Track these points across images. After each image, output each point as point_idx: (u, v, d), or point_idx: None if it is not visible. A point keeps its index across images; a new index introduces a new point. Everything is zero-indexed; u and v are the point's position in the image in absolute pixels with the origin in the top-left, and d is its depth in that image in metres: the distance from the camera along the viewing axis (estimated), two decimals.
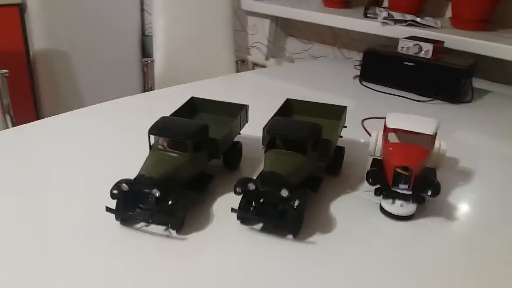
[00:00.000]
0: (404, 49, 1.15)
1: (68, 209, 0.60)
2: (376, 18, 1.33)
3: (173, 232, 0.56)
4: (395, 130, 0.65)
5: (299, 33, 1.70)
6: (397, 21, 1.27)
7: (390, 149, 0.64)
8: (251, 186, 0.56)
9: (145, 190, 0.54)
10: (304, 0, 1.71)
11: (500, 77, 1.27)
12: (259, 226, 0.58)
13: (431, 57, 1.11)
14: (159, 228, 0.57)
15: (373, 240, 0.58)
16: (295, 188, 0.56)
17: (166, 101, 1.04)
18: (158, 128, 0.61)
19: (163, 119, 0.64)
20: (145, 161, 0.59)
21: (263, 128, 0.68)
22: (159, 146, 0.61)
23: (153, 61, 1.55)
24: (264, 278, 0.50)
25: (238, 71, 1.55)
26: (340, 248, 0.55)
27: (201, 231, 0.57)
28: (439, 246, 0.57)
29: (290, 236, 0.56)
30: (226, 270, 0.51)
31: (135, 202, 0.56)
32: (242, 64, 1.63)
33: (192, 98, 0.78)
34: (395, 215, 0.61)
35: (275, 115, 0.73)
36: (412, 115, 0.68)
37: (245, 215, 0.57)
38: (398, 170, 0.60)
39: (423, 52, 1.11)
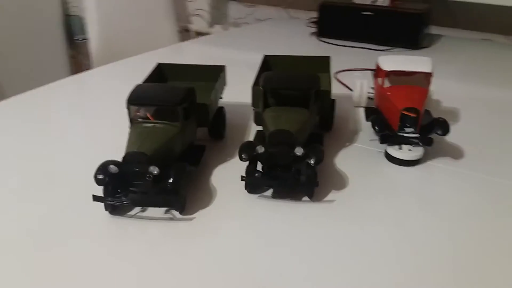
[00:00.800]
0: None
1: (46, 205, 0.50)
2: None
3: (177, 214, 0.49)
4: (393, 73, 0.61)
5: None
6: None
7: (388, 93, 0.61)
8: (260, 149, 0.49)
9: (138, 170, 0.46)
10: None
11: (450, 21, 1.29)
12: (269, 193, 0.53)
13: (388, 5, 1.10)
14: (158, 212, 0.49)
15: (387, 189, 0.54)
16: (306, 145, 0.50)
17: (105, 79, 0.92)
18: (140, 97, 0.52)
19: (140, 87, 0.54)
20: (129, 137, 0.50)
21: (253, 86, 0.61)
22: (139, 119, 0.52)
23: (85, 40, 1.40)
24: (288, 245, 0.44)
25: (181, 41, 1.44)
26: (357, 203, 0.51)
27: (207, 208, 0.50)
28: (455, 185, 0.55)
29: (305, 198, 0.51)
30: (245, 245, 0.44)
31: (124, 186, 0.48)
32: (185, 33, 1.52)
33: (159, 64, 0.69)
34: (405, 160, 0.58)
35: (258, 73, 0.66)
36: (403, 56, 0.65)
37: (259, 181, 0.51)
38: (405, 112, 0.56)
39: (380, 0, 1.09)
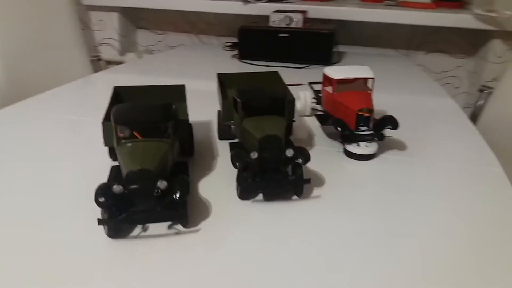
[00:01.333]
0: (276, 22, 1.22)
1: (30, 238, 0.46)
2: None
3: (180, 228, 0.49)
4: (343, 80, 0.69)
5: (150, 24, 1.62)
6: None
7: (340, 99, 0.68)
8: (254, 155, 0.52)
9: (145, 187, 0.45)
10: None
11: (350, 40, 1.47)
12: (260, 197, 0.55)
13: (302, 26, 1.21)
14: (160, 229, 0.48)
15: (360, 181, 0.61)
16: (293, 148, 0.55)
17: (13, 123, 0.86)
18: (127, 117, 0.51)
19: (119, 107, 0.53)
20: (122, 157, 0.49)
21: (223, 101, 0.64)
22: (127, 139, 0.51)
23: None
24: (290, 238, 0.48)
25: (95, 72, 1.39)
26: (338, 194, 0.57)
27: (207, 219, 0.51)
28: (406, 171, 0.64)
29: (294, 197, 0.56)
30: (255, 246, 0.47)
31: (126, 207, 0.46)
32: (97, 63, 1.47)
33: (115, 88, 0.68)
34: (364, 155, 0.66)
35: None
36: (344, 66, 0.73)
37: (253, 187, 0.54)
38: (362, 113, 0.65)
39: (294, 22, 1.20)
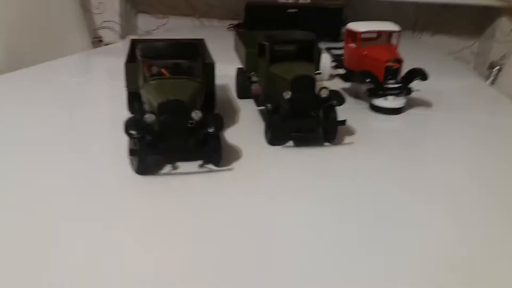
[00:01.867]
0: None
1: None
2: None
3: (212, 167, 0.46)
4: (367, 33, 0.67)
5: (151, 8, 1.59)
6: None
7: (366, 52, 0.66)
8: (287, 94, 0.50)
9: (178, 117, 0.42)
10: None
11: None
12: (290, 143, 0.53)
13: (310, 2, 1.19)
14: (192, 168, 0.45)
15: (390, 134, 0.59)
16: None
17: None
18: (158, 52, 0.48)
19: (147, 44, 0.50)
20: (150, 92, 0.46)
21: (247, 51, 0.61)
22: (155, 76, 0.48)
23: None
24: (323, 183, 0.46)
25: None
26: (370, 143, 0.55)
27: (239, 160, 0.48)
28: (437, 126, 0.62)
29: (326, 143, 0.53)
30: (288, 187, 0.44)
31: (156, 142, 0.43)
32: (99, 44, 1.43)
33: (132, 40, 0.64)
34: (392, 109, 0.63)
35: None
36: (366, 22, 0.71)
37: (288, 125, 0.51)
38: (390, 63, 0.62)
39: None
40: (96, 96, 0.72)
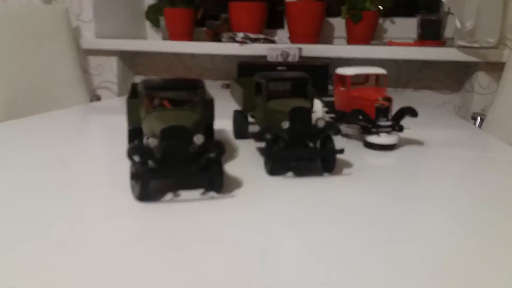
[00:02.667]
0: (274, 57, 1.26)
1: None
2: (230, 41, 1.43)
3: (213, 195, 0.46)
4: (357, 76, 0.71)
5: (146, 69, 1.66)
6: (252, 40, 1.40)
7: (356, 93, 0.70)
8: (285, 124, 0.51)
9: (181, 142, 0.43)
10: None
11: None
12: (290, 174, 0.53)
13: (298, 61, 1.26)
14: (193, 196, 0.45)
15: (385, 169, 0.60)
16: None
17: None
18: (160, 85, 0.50)
19: (149, 80, 0.53)
20: (151, 123, 0.47)
21: (244, 91, 0.64)
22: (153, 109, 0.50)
23: None
24: (323, 213, 0.46)
25: None
26: (366, 177, 0.56)
27: (240, 189, 0.48)
28: (430, 162, 0.64)
29: (326, 174, 0.54)
30: (289, 214, 0.45)
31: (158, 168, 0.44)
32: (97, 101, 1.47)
33: (133, 84, 0.67)
34: (386, 145, 0.65)
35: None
36: (354, 67, 0.75)
37: (286, 155, 0.52)
38: (381, 101, 0.65)
39: (290, 56, 1.25)
40: (93, 139, 0.73)
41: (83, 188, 0.49)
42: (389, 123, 0.66)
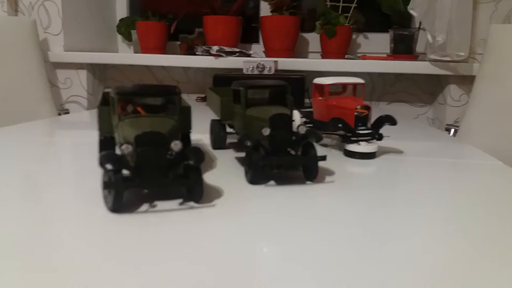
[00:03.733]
0: (249, 70, 1.25)
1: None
2: (205, 54, 1.42)
3: (192, 204, 0.43)
4: (335, 85, 0.70)
5: (118, 83, 1.62)
6: (228, 53, 1.39)
7: (335, 102, 0.69)
8: (266, 131, 0.50)
9: (157, 148, 0.41)
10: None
11: None
12: (271, 182, 0.51)
13: (274, 73, 1.25)
14: (171, 206, 0.43)
15: (366, 177, 0.59)
16: None
17: None
18: (132, 91, 0.47)
19: (122, 86, 0.50)
20: (125, 130, 0.44)
21: (221, 99, 0.63)
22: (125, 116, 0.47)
23: None
24: (306, 220, 0.45)
25: None
26: (348, 189, 0.55)
27: (220, 198, 0.46)
28: (408, 169, 0.63)
29: (308, 182, 0.52)
30: (271, 222, 0.43)
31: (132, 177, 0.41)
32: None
33: (104, 92, 0.64)
34: (366, 153, 0.65)
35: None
36: (331, 77, 0.75)
37: (268, 163, 0.50)
38: (359, 109, 0.65)
39: (266, 69, 1.25)
40: (61, 152, 0.69)
41: (50, 202, 0.45)
42: (368, 131, 0.65)
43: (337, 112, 0.68)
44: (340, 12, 1.47)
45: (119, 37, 1.73)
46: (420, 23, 1.40)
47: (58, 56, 1.45)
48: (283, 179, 0.52)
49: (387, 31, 1.49)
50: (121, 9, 1.74)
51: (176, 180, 0.42)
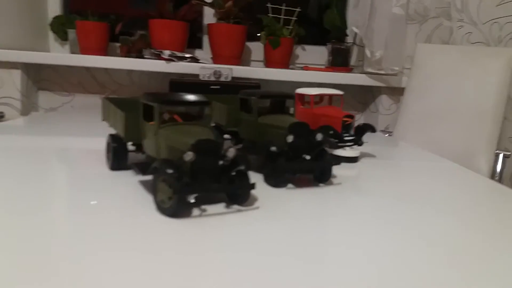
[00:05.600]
0: (206, 76, 1.27)
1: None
2: (155, 57, 1.40)
3: (237, 207, 0.46)
4: (319, 95, 0.77)
5: (53, 85, 1.51)
6: (179, 58, 1.39)
7: (321, 111, 0.76)
8: (290, 138, 0.54)
9: (213, 156, 0.43)
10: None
11: None
12: (291, 186, 0.56)
13: (230, 80, 1.29)
14: (219, 209, 0.45)
15: (359, 178, 0.67)
16: None
17: None
18: (173, 99, 0.48)
19: (156, 93, 0.51)
20: (167, 137, 0.46)
21: (241, 99, 0.66)
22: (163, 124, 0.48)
23: None
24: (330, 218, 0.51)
25: None
26: (356, 189, 0.62)
27: (258, 200, 0.49)
28: (388, 170, 0.72)
29: (321, 184, 0.58)
30: (320, 216, 0.48)
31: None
32: (1, 119, 1.28)
33: (104, 99, 0.63)
34: (352, 157, 0.72)
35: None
36: (311, 88, 0.81)
37: (289, 166, 0.55)
38: (346, 118, 0.72)
39: (223, 76, 1.28)
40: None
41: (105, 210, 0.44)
42: (352, 137, 0.73)
43: (324, 120, 0.75)
44: (281, 25, 1.56)
45: (51, 36, 1.62)
46: (354, 38, 1.54)
47: None
48: (297, 182, 0.57)
49: (323, 45, 1.61)
50: (53, 6, 1.63)
51: (233, 185, 0.44)
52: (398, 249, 0.39)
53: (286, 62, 1.59)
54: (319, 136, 0.56)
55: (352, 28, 1.37)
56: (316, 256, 0.37)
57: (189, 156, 0.42)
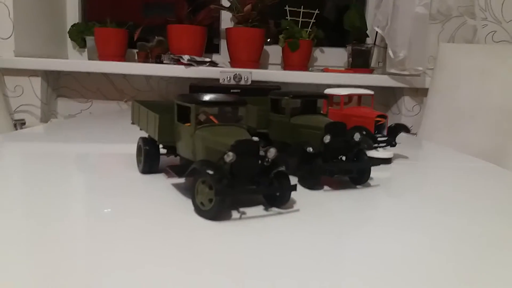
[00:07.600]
0: (226, 80, 1.26)
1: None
2: (173, 63, 1.39)
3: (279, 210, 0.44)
4: (349, 95, 0.75)
5: (72, 92, 1.52)
6: (198, 63, 1.38)
7: (353, 112, 0.73)
8: (327, 139, 0.52)
9: (255, 156, 0.41)
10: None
11: None
12: (327, 188, 0.54)
13: (250, 84, 1.27)
14: (258, 212, 0.43)
15: (394, 180, 0.64)
16: None
17: None
18: (210, 101, 0.47)
19: (192, 95, 0.49)
20: (205, 138, 0.44)
21: (272, 100, 0.64)
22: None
23: None
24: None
25: None
26: (393, 190, 0.60)
27: (297, 203, 0.47)
28: (423, 173, 0.70)
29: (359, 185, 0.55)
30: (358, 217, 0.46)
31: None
32: (21, 126, 1.28)
33: (134, 101, 0.61)
34: (384, 159, 0.69)
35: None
36: (341, 88, 0.79)
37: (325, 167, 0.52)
38: (378, 118, 0.69)
39: (243, 79, 1.26)
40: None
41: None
42: (385, 138, 0.70)
43: (355, 120, 0.72)
44: (300, 27, 1.54)
45: (70, 43, 1.62)
46: (375, 40, 1.52)
47: (8, 61, 1.32)
48: (333, 184, 0.55)
49: (342, 47, 1.59)
50: (72, 14, 1.64)
51: (275, 187, 0.42)
52: (450, 260, 0.37)
53: (305, 64, 1.57)
54: (357, 136, 0.54)
55: (374, 28, 1.34)
56: (365, 262, 0.34)
57: (230, 157, 0.40)
